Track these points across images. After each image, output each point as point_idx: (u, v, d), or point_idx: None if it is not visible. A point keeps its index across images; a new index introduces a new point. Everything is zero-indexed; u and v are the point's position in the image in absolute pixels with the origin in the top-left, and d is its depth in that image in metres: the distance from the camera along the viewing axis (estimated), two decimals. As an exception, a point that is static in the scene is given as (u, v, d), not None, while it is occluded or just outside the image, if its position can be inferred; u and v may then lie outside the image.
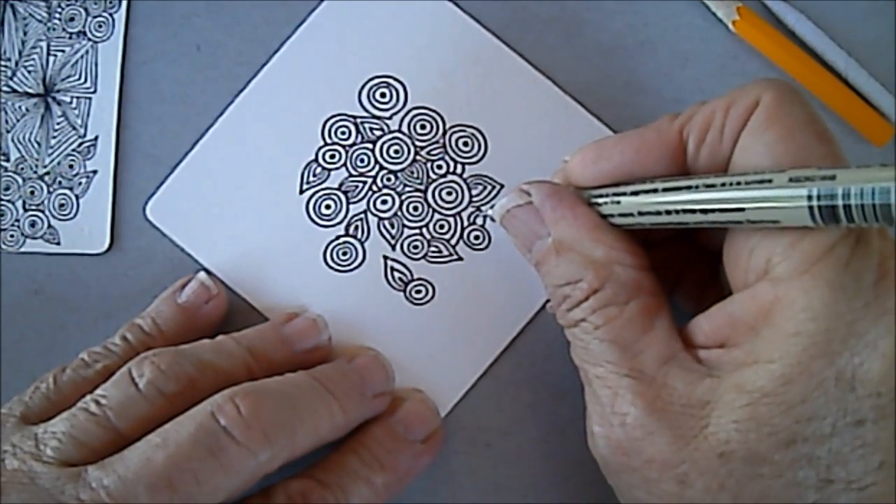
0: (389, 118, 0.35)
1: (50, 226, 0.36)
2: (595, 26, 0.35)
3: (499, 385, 0.34)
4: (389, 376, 0.33)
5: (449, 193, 0.35)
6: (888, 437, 0.23)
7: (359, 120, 0.35)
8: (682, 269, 0.32)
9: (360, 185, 0.35)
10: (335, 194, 0.35)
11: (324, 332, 0.34)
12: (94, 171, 0.36)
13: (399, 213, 0.35)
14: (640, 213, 0.27)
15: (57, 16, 0.36)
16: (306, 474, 0.30)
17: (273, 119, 0.35)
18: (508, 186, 0.35)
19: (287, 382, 0.30)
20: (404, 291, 0.34)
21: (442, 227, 0.35)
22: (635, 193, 0.27)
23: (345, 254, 0.35)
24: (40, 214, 0.36)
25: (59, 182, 0.36)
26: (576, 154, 0.29)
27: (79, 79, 0.36)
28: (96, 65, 0.36)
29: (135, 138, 0.36)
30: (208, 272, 0.35)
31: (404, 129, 0.35)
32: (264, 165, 0.35)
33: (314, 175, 0.35)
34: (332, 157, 0.35)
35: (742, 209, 0.24)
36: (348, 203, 0.35)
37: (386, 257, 0.35)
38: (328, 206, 0.35)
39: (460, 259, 0.35)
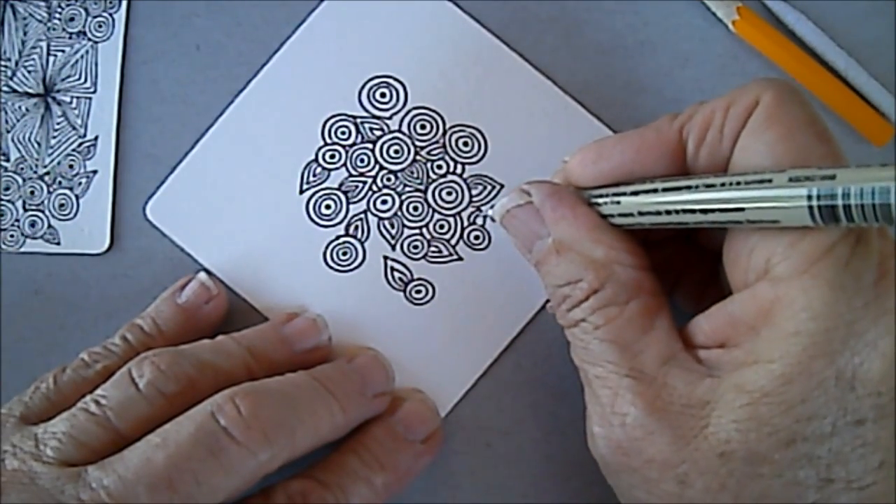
0: (389, 118, 0.35)
1: (50, 226, 0.36)
2: (595, 26, 0.35)
3: (499, 385, 0.34)
4: (389, 376, 0.33)
5: (449, 193, 0.35)
6: (888, 436, 0.24)
7: (359, 120, 0.35)
8: (682, 268, 0.32)
9: (360, 185, 0.35)
10: (335, 194, 0.35)
11: (324, 332, 0.34)
12: (94, 171, 0.36)
13: (399, 213, 0.35)
14: (640, 213, 0.27)
15: (57, 16, 0.36)
16: (306, 474, 0.30)
17: (273, 119, 0.35)
18: (508, 186, 0.35)
19: (287, 382, 0.30)
20: (404, 291, 0.35)
21: (442, 227, 0.35)
22: (635, 193, 0.27)
23: (345, 254, 0.35)
24: (40, 214, 0.36)
25: (59, 182, 0.36)
26: (575, 154, 0.29)
27: (79, 79, 0.36)
28: (96, 65, 0.36)
29: (135, 138, 0.36)
30: (208, 272, 0.35)
31: (404, 129, 0.35)
32: (264, 165, 0.35)
33: (314, 175, 0.35)
34: (332, 157, 0.35)
35: (742, 209, 0.24)
36: (348, 203, 0.35)
37: (386, 257, 0.35)
38: (328, 206, 0.35)
39: (460, 259, 0.35)
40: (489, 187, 0.35)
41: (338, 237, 0.35)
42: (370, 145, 0.35)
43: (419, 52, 0.35)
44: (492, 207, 0.32)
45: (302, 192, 0.35)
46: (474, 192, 0.35)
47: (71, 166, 0.36)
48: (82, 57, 0.36)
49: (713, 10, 0.35)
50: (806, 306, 0.23)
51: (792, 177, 0.23)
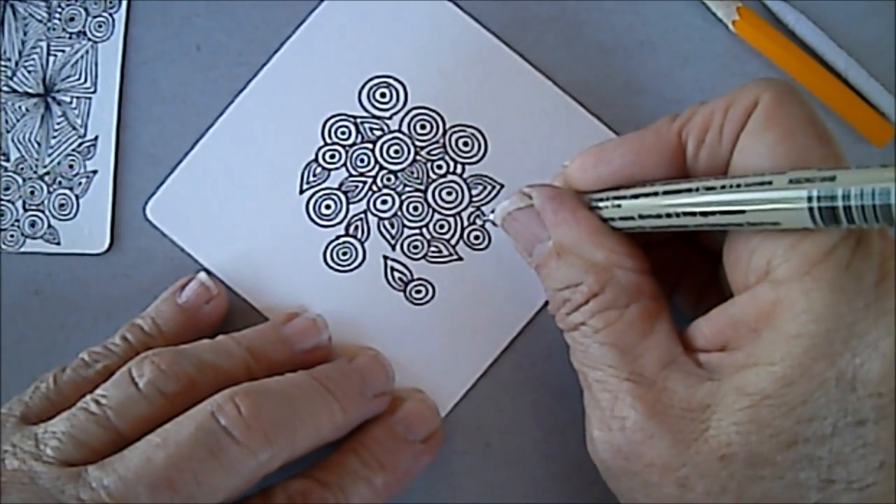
0: (389, 118, 0.35)
1: (50, 226, 0.36)
2: (595, 26, 0.35)
3: (499, 385, 0.34)
4: (389, 376, 0.33)
5: (449, 193, 0.35)
6: (889, 436, 0.24)
7: (359, 120, 0.35)
8: (683, 269, 0.32)
9: (360, 185, 0.35)
10: (335, 194, 0.35)
11: (324, 332, 0.34)
12: (94, 171, 0.36)
13: (399, 213, 0.35)
14: (641, 217, 0.27)
15: (57, 16, 0.36)
16: (306, 474, 0.30)
17: (273, 119, 0.35)
18: (508, 186, 0.35)
19: (287, 382, 0.30)
20: (404, 291, 0.35)
21: (442, 227, 0.35)
22: (636, 197, 0.27)
23: (345, 254, 0.35)
24: (40, 214, 0.36)
25: (59, 182, 0.36)
26: (575, 158, 0.29)
27: (79, 79, 0.36)
28: (96, 65, 0.36)
29: (135, 138, 0.36)
30: (208, 272, 0.35)
31: (404, 129, 0.35)
32: (264, 165, 0.35)
33: (314, 175, 0.35)
34: (332, 157, 0.35)
35: (742, 211, 0.24)
36: (348, 203, 0.35)
37: (386, 257, 0.35)
38: (328, 206, 0.35)
39: (460, 259, 0.35)
40: (489, 187, 0.35)
41: (338, 237, 0.35)
42: (370, 145, 0.35)
43: (419, 52, 0.35)
44: (493, 212, 0.32)
45: (302, 192, 0.35)
46: (474, 192, 0.35)
47: (71, 166, 0.36)
48: (82, 57, 0.36)
49: (713, 10, 0.35)
50: (807, 308, 0.24)
51: (792, 178, 0.23)
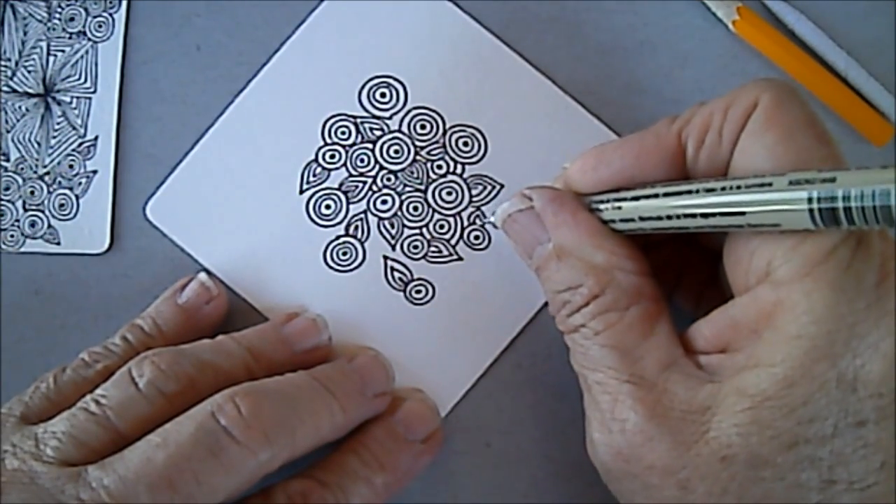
0: (389, 118, 0.35)
1: (50, 226, 0.36)
2: (595, 26, 0.35)
3: (499, 385, 0.34)
4: (389, 376, 0.33)
5: (449, 193, 0.35)
6: (889, 437, 0.24)
7: (359, 120, 0.35)
8: (683, 269, 0.32)
9: (360, 185, 0.35)
10: (335, 194, 0.35)
11: (324, 332, 0.34)
12: (94, 171, 0.36)
13: (399, 213, 0.35)
14: (641, 219, 0.27)
15: (57, 16, 0.36)
16: (306, 474, 0.30)
17: (273, 119, 0.35)
18: (508, 186, 0.35)
19: (287, 382, 0.30)
20: (404, 291, 0.35)
21: (442, 227, 0.35)
22: (636, 199, 0.27)
23: (345, 254, 0.35)
24: (40, 214, 0.36)
25: (59, 182, 0.36)
26: (575, 161, 0.29)
27: (79, 79, 0.36)
28: (96, 65, 0.36)
29: (135, 138, 0.36)
30: (208, 272, 0.35)
31: (404, 129, 0.35)
32: (264, 165, 0.35)
33: (314, 175, 0.35)
34: (332, 157, 0.35)
35: (743, 213, 0.24)
36: (348, 203, 0.35)
37: (386, 257, 0.35)
38: (328, 206, 0.35)
39: (460, 259, 0.35)
40: (489, 187, 0.35)
41: (338, 237, 0.35)
42: (370, 145, 0.35)
43: (419, 52, 0.35)
44: (493, 214, 0.32)
45: (302, 192, 0.35)
46: (474, 192, 0.35)
47: (71, 166, 0.36)
48: (82, 57, 0.36)
49: (713, 10, 0.35)
50: (808, 309, 0.24)
51: (792, 180, 0.23)
